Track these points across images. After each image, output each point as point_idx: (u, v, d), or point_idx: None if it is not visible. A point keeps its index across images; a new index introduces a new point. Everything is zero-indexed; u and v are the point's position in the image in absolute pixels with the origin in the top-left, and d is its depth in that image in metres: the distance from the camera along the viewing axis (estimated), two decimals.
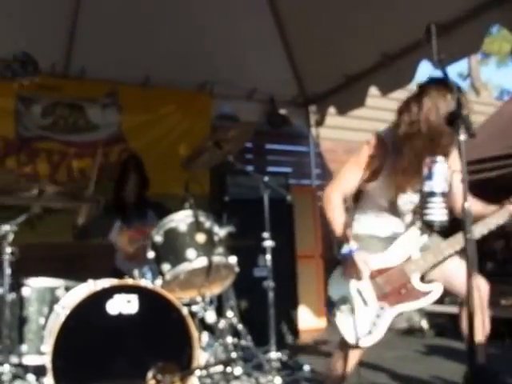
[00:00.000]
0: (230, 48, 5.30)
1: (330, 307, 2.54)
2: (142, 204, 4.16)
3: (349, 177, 2.57)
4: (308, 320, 5.99)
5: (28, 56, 1.79)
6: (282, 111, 6.32)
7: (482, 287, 2.48)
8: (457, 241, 2.45)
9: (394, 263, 2.52)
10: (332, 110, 6.21)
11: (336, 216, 2.51)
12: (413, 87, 2.58)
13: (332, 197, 2.54)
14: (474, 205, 2.44)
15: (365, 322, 2.47)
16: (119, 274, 3.58)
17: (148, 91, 5.47)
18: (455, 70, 19.91)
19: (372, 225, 2.63)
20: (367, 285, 2.50)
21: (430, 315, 5.44)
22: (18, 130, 5.13)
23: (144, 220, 4.05)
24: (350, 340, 2.48)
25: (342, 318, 2.50)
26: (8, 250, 2.73)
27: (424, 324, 5.49)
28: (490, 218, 2.51)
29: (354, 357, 2.55)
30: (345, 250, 2.45)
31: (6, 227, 2.76)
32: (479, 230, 2.47)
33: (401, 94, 3.10)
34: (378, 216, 2.63)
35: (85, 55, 5.01)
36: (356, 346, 2.49)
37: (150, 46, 4.91)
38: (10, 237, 2.75)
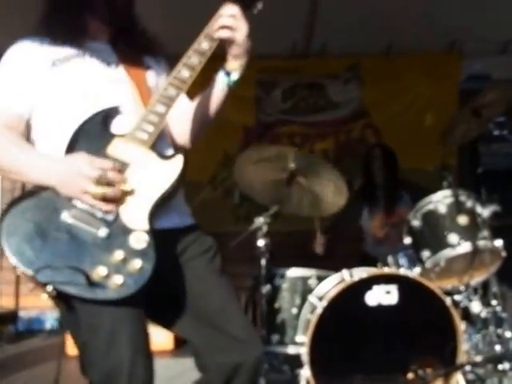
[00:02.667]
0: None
1: None
2: (393, 186, 3.95)
3: None
4: None
5: None
6: None
7: None
8: None
9: None
10: None
11: None
12: None
13: None
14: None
15: None
16: (369, 260, 3.46)
17: (391, 59, 5.16)
18: None
19: None
20: None
21: None
22: (258, 117, 5.21)
23: (397, 203, 3.85)
24: None
25: None
26: (262, 242, 2.75)
27: None
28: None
29: None
30: None
31: (260, 220, 2.77)
32: None
33: None
34: None
35: (326, 30, 4.80)
36: None
37: (391, 11, 4.56)
38: (264, 229, 2.75)
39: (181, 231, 1.67)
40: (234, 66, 1.67)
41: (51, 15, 1.68)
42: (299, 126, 5.22)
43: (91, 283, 1.38)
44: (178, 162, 1.55)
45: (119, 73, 1.68)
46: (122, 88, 1.66)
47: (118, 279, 1.40)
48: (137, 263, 1.42)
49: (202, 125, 1.81)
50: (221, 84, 1.70)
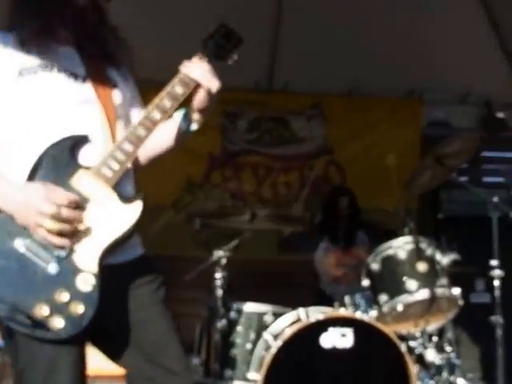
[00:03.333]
0: (438, 51, 4.84)
1: None
2: (353, 226, 3.95)
3: None
4: None
5: (227, 27, 1.76)
6: (500, 115, 5.65)
7: None
8: None
9: None
10: None
11: None
12: None
13: None
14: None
15: None
16: (324, 298, 3.41)
17: (353, 101, 5.21)
18: None
19: None
20: None
21: None
22: (223, 145, 5.16)
23: (353, 241, 3.84)
24: None
25: None
26: (219, 275, 2.69)
27: None
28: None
29: None
30: None
31: (220, 253, 2.72)
32: None
33: None
34: None
35: (288, 69, 4.90)
36: None
37: (353, 55, 4.66)
38: (223, 262, 2.70)
39: (129, 262, 1.64)
40: (196, 118, 1.70)
41: (18, 16, 1.62)
42: (264, 157, 5.18)
43: (32, 322, 1.37)
44: (137, 208, 1.53)
45: (87, 91, 1.62)
46: (90, 111, 1.60)
47: (58, 322, 1.39)
48: (80, 308, 1.41)
49: (158, 152, 1.82)
50: (180, 129, 1.74)
